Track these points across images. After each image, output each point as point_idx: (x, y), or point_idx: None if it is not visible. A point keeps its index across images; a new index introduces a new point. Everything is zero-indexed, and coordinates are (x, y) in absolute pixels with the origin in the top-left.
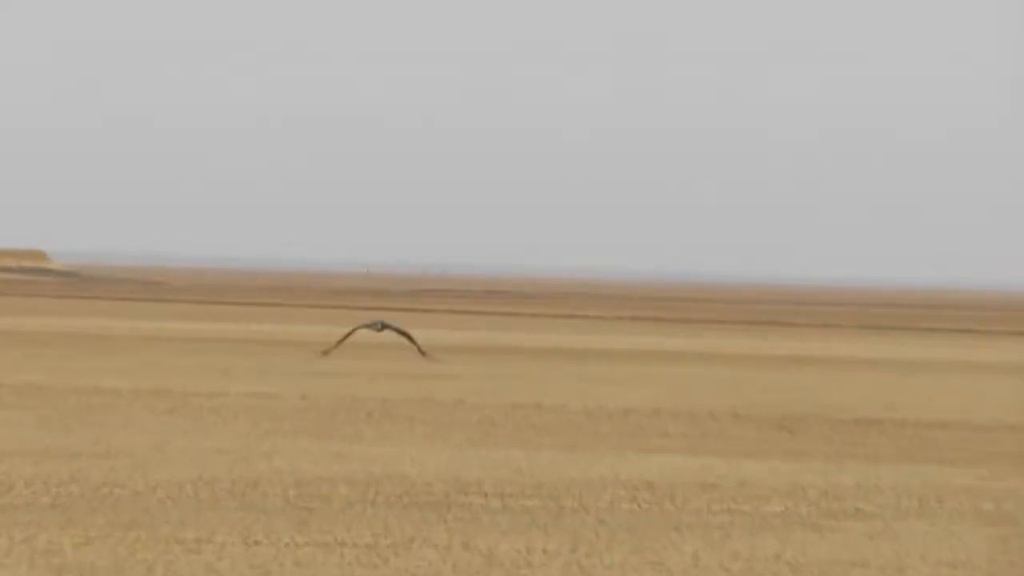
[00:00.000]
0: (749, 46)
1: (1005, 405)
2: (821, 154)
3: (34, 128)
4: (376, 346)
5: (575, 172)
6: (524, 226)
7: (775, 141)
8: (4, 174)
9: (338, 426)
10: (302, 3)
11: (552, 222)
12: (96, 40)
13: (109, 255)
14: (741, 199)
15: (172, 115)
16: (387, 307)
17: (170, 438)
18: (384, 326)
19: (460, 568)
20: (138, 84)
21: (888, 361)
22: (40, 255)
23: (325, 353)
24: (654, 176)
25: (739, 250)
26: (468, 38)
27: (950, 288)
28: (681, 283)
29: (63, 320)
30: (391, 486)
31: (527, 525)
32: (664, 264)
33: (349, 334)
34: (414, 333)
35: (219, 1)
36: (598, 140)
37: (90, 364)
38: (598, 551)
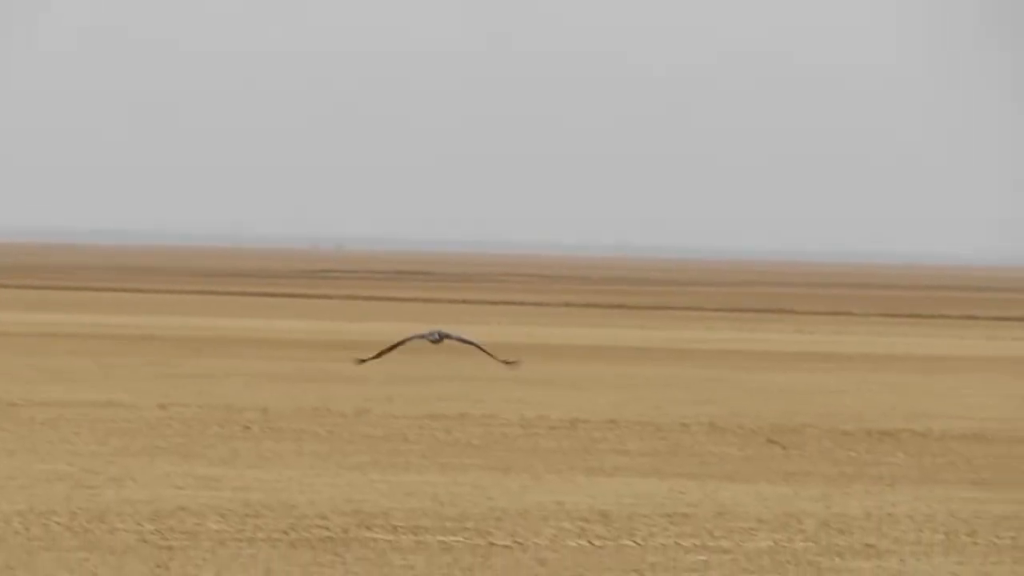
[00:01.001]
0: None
1: None
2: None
3: None
4: (254, 341)
5: (506, 123)
6: (446, 191)
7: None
8: None
9: (207, 444)
10: None
11: (482, 186)
12: None
13: None
14: (721, 154)
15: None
16: (271, 292)
17: None
18: (443, 336)
19: None
20: None
21: (911, 358)
22: None
23: (362, 361)
24: (604, 123)
25: (723, 219)
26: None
27: (997, 265)
28: (645, 260)
29: None
30: (275, 519)
31: (447, 567)
32: (624, 237)
33: (398, 345)
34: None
35: None
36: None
37: None
38: None
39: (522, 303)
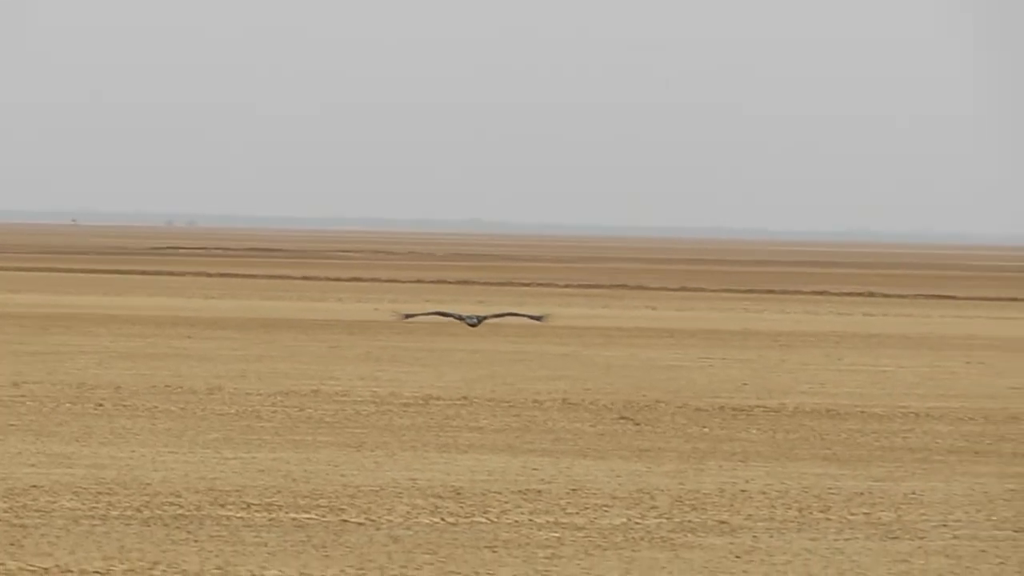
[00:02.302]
0: None
1: (908, 388)
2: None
3: None
4: (104, 318)
5: (360, 106)
6: (298, 172)
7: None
8: None
9: (60, 421)
10: None
11: (328, 165)
12: None
13: None
14: (567, 129)
15: None
16: (121, 269)
17: None
18: (480, 320)
19: None
20: None
21: (763, 333)
22: None
23: (409, 316)
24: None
25: (567, 194)
26: None
27: (846, 241)
28: (496, 235)
29: None
30: (128, 497)
31: (301, 544)
32: (478, 213)
33: (442, 314)
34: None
35: None
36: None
37: None
38: None
39: (373, 279)
